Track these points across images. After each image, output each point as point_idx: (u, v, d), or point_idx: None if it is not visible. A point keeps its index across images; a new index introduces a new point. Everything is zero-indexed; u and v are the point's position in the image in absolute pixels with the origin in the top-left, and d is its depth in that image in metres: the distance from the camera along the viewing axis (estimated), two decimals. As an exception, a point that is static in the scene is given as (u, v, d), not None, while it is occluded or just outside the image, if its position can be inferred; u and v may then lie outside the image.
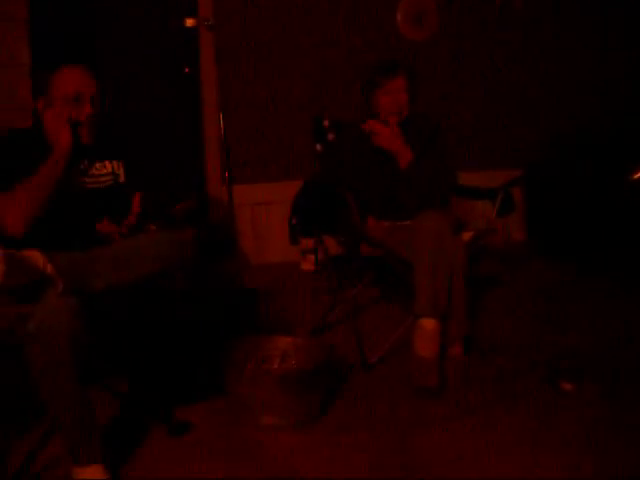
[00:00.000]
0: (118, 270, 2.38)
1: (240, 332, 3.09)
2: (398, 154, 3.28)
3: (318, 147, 3.67)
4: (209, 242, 4.03)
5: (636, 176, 4.59)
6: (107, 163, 2.71)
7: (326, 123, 3.69)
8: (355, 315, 3.35)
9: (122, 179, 2.74)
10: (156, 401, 2.86)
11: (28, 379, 2.22)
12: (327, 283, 3.93)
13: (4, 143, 2.60)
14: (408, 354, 3.05)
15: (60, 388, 2.19)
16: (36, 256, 2.23)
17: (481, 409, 2.81)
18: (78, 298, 2.20)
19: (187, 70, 4.84)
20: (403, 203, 3.31)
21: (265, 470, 2.44)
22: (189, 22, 4.70)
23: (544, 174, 5.12)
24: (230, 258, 4.54)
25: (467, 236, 3.25)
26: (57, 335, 2.11)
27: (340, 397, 2.92)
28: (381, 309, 3.87)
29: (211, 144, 4.81)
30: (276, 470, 2.45)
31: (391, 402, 2.89)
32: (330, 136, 3.67)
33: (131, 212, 2.58)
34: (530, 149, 5.17)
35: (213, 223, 4.62)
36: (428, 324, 2.98)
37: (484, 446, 2.55)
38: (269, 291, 3.97)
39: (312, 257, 4.52)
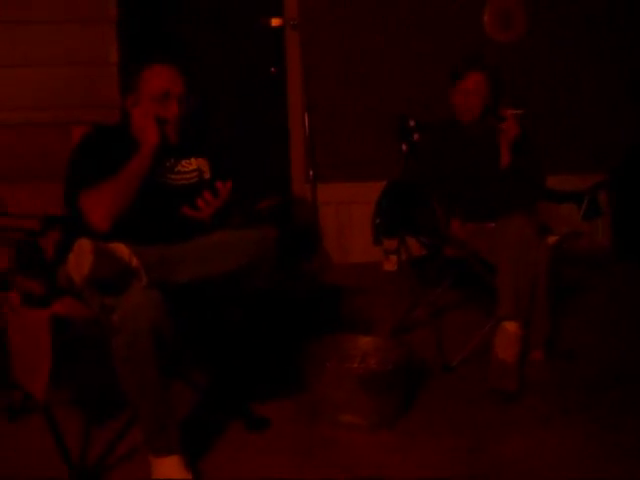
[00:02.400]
0: (202, 265, 2.39)
1: (321, 331, 3.09)
2: (502, 153, 3.26)
3: (403, 147, 3.65)
4: (292, 240, 4.05)
5: None
6: (193, 160, 2.74)
7: (412, 123, 3.66)
8: (436, 317, 3.33)
9: (207, 176, 2.76)
10: (235, 396, 2.89)
11: (111, 370, 2.27)
12: (409, 284, 3.91)
13: (92, 140, 2.66)
14: (488, 358, 3.02)
15: (141, 380, 2.23)
16: (122, 249, 2.26)
17: (561, 416, 2.77)
18: (162, 292, 2.24)
19: (273, 70, 4.88)
20: (493, 204, 3.28)
21: (341, 468, 2.44)
22: (275, 22, 4.74)
23: (629, 178, 5.00)
24: (313, 257, 4.55)
25: (552, 240, 3.20)
26: (140, 328, 2.15)
27: (419, 399, 2.91)
28: (462, 312, 3.84)
29: (296, 143, 4.83)
30: (352, 469, 2.44)
31: (469, 405, 2.87)
32: (416, 136, 3.64)
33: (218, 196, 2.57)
34: (615, 152, 5.05)
35: (297, 221, 4.64)
36: (510, 327, 2.95)
37: (563, 454, 2.50)
38: (351, 290, 3.97)
39: (394, 258, 4.51)
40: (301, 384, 2.84)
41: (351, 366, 2.86)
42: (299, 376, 2.85)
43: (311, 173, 4.75)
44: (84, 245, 2.17)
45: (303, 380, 2.83)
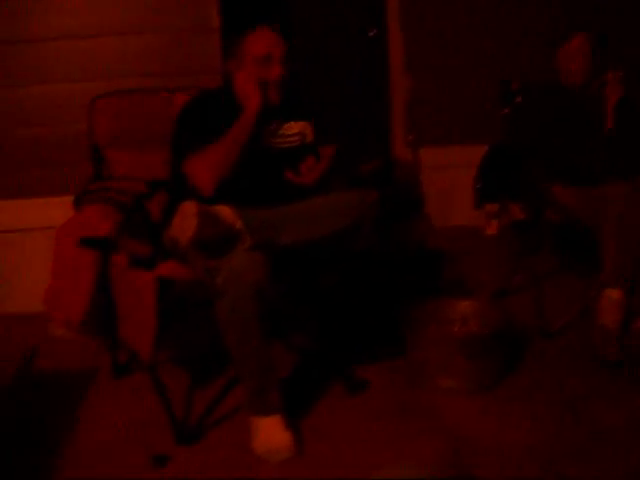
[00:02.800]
0: (305, 227, 2.42)
1: (421, 294, 3.08)
2: (606, 117, 3.18)
3: (505, 110, 3.58)
4: (393, 203, 4.04)
5: None
6: (295, 123, 2.74)
7: (514, 86, 3.59)
8: (536, 282, 3.28)
9: (310, 139, 2.76)
10: (335, 358, 2.91)
11: (215, 330, 2.32)
12: (510, 249, 3.86)
13: (196, 105, 2.69)
14: (589, 325, 2.97)
15: (244, 340, 2.27)
16: (226, 212, 2.30)
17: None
18: (264, 254, 2.26)
19: (373, 32, 4.84)
20: (596, 169, 3.21)
21: (437, 432, 2.45)
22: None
23: None
24: (414, 220, 4.53)
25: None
26: (243, 290, 2.18)
27: (517, 364, 2.88)
28: (563, 277, 3.76)
29: (396, 106, 4.79)
30: (448, 433, 2.44)
31: (568, 372, 2.82)
32: (518, 99, 3.56)
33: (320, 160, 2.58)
34: None
35: (398, 184, 4.62)
36: (614, 294, 2.89)
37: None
38: (452, 254, 3.94)
39: (496, 222, 4.45)
40: (400, 347, 2.84)
41: (451, 330, 2.86)
42: (398, 339, 2.85)
43: (412, 136, 4.71)
44: (189, 208, 2.21)
45: (402, 343, 2.83)
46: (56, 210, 3.16)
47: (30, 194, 3.77)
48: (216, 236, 2.24)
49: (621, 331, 2.89)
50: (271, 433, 2.34)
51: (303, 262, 2.47)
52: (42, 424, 2.62)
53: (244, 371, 2.36)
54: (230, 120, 2.53)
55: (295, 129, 2.74)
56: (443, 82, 4.74)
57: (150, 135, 3.04)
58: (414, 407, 2.62)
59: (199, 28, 3.79)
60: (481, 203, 3.66)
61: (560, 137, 3.27)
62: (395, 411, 2.59)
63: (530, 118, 3.39)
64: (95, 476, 2.29)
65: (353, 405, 2.65)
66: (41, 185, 3.78)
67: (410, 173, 4.68)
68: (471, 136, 4.58)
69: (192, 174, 2.49)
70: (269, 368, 2.35)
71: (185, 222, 2.21)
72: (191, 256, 2.37)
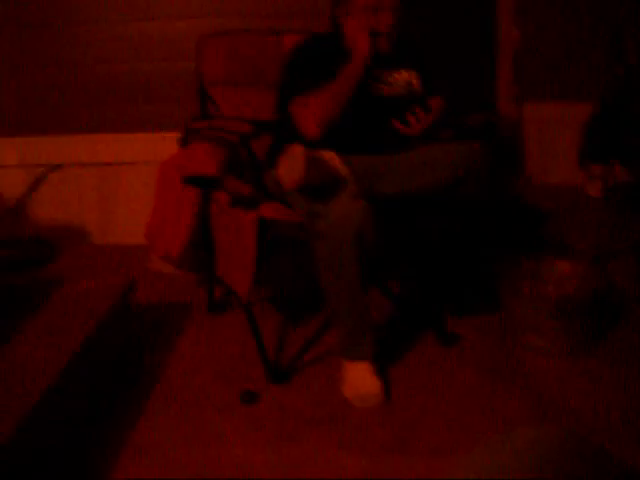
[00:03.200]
0: (410, 178, 2.41)
1: (519, 251, 3.05)
2: None
3: (619, 70, 3.47)
4: (497, 157, 3.98)
5: None
6: (403, 72, 2.72)
7: (630, 44, 3.47)
8: (638, 248, 3.20)
9: (417, 88, 2.74)
10: (430, 309, 2.92)
11: (311, 273, 2.35)
12: (613, 211, 3.77)
13: (306, 48, 2.69)
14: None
15: (342, 285, 2.29)
16: (333, 157, 2.30)
17: None
18: (369, 201, 2.27)
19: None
20: None
21: (529, 390, 2.43)
22: None
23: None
24: (516, 175, 4.46)
25: None
26: (345, 236, 2.19)
27: (612, 331, 2.83)
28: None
29: (504, 57, 4.69)
30: (535, 393, 2.42)
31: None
32: (632, 58, 3.45)
33: (429, 112, 2.56)
34: None
35: (502, 138, 4.54)
36: None
37: None
38: (552, 213, 3.86)
39: (600, 183, 4.35)
40: (495, 303, 2.83)
41: (546, 289, 2.82)
42: (493, 295, 2.84)
43: (517, 89, 4.61)
44: (297, 151, 2.22)
45: (497, 299, 2.81)
46: (160, 145, 3.22)
47: (136, 129, 3.85)
48: (322, 181, 2.25)
49: None
50: (361, 379, 2.37)
51: (406, 211, 2.46)
52: (137, 356, 2.70)
53: (338, 314, 2.37)
54: (339, 66, 2.53)
55: (403, 77, 2.72)
56: (552, 35, 4.61)
57: (258, 76, 3.06)
58: (503, 364, 2.61)
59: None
60: (586, 162, 3.58)
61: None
62: (484, 367, 2.59)
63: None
64: (186, 407, 2.35)
65: (444, 358, 2.65)
66: (147, 120, 3.85)
67: (514, 127, 4.59)
68: (578, 93, 4.46)
69: (299, 117, 2.50)
70: (363, 314, 2.36)
71: (292, 165, 2.21)
72: (295, 199, 2.39)
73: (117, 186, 3.90)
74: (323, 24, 3.21)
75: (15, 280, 2.84)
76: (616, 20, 4.33)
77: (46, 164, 3.90)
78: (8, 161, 3.89)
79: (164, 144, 3.18)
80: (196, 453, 2.09)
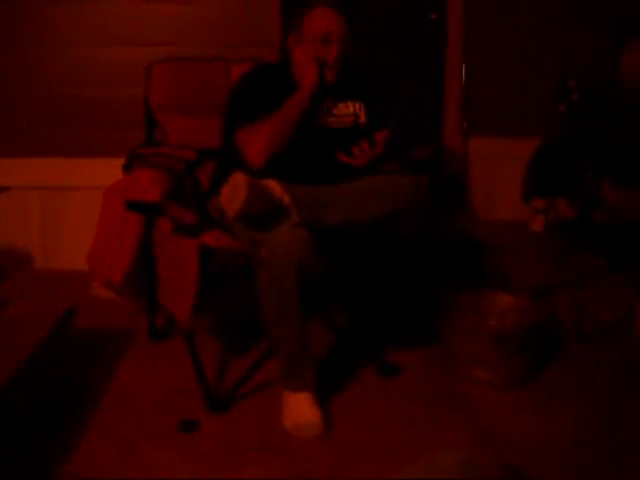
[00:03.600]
0: (352, 208, 2.41)
1: (461, 284, 3.07)
2: None
3: (561, 107, 3.54)
4: (441, 191, 4.02)
5: None
6: (349, 103, 2.73)
7: (571, 83, 3.54)
8: (579, 283, 3.24)
9: (363, 120, 2.75)
10: (370, 340, 2.92)
11: (253, 301, 2.34)
12: (555, 246, 3.82)
13: (253, 77, 2.69)
14: (628, 330, 2.94)
15: (282, 314, 2.28)
16: (275, 186, 2.30)
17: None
18: (310, 231, 2.26)
19: (433, 16, 4.80)
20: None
21: (467, 422, 2.44)
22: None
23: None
24: (460, 210, 4.50)
25: None
26: (287, 265, 2.19)
27: (553, 363, 2.85)
28: (608, 280, 3.72)
29: (451, 93, 4.75)
30: (477, 424, 2.44)
31: (602, 376, 2.78)
32: (574, 96, 3.52)
33: (374, 144, 2.57)
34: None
35: (447, 172, 4.59)
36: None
37: None
38: (495, 247, 3.91)
39: (542, 218, 4.41)
40: (435, 335, 2.84)
41: (488, 323, 2.84)
42: (434, 327, 2.85)
43: (464, 125, 4.67)
44: (239, 179, 2.22)
45: (438, 331, 2.82)
46: (107, 171, 3.19)
47: (83, 154, 3.82)
48: (264, 209, 2.25)
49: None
50: (301, 409, 2.36)
51: (348, 242, 2.47)
52: (76, 383, 2.66)
53: (279, 344, 2.38)
54: (285, 95, 2.54)
55: (349, 109, 2.73)
56: (499, 73, 4.70)
57: (204, 104, 3.06)
58: (445, 396, 2.61)
59: (258, 2, 3.80)
60: (529, 197, 3.63)
61: (616, 138, 3.23)
62: (426, 398, 2.59)
63: (584, 115, 3.34)
64: (123, 435, 2.32)
65: (385, 389, 2.65)
66: (93, 146, 3.82)
67: (459, 163, 4.65)
68: (524, 129, 4.54)
69: (244, 146, 2.50)
70: (304, 344, 2.37)
71: (234, 193, 2.21)
72: (237, 227, 2.39)
73: (62, 211, 3.86)
74: (273, 54, 3.24)
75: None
76: (559, 59, 4.44)
77: (-9, 187, 3.85)
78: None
79: (111, 170, 3.15)
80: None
